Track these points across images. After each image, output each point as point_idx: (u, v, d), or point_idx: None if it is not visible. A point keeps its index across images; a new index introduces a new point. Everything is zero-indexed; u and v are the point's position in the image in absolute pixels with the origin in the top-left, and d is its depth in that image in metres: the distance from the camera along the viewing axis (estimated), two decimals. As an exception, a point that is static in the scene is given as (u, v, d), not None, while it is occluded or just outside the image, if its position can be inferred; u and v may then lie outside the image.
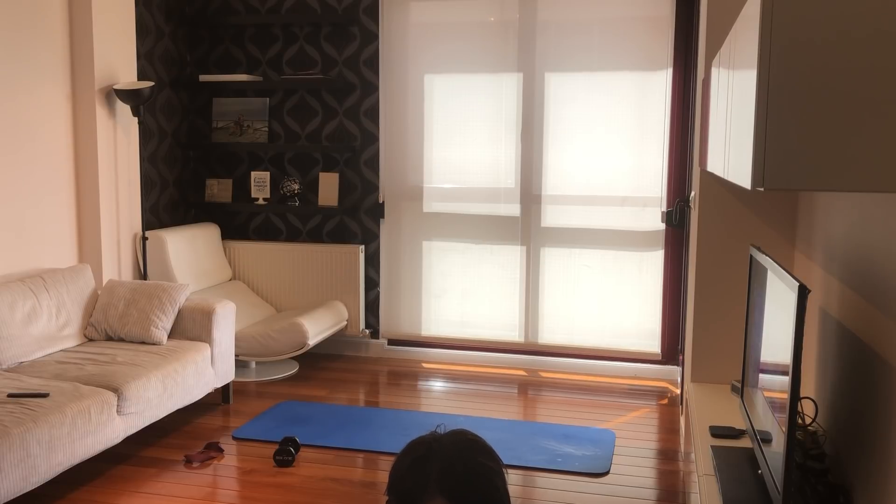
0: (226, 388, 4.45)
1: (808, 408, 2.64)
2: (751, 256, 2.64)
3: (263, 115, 5.45)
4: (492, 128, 5.19)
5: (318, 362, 5.33)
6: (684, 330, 4.34)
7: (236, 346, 4.75)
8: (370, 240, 5.39)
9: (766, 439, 2.16)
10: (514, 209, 5.22)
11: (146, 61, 5.07)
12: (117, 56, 4.65)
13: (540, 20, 5.04)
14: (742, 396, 2.69)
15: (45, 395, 3.27)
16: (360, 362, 5.35)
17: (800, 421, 2.38)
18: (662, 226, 4.97)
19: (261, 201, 5.46)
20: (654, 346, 5.08)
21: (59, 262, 4.44)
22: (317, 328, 4.85)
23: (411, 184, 5.32)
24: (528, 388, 4.85)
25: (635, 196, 5.02)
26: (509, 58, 5.11)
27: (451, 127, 5.25)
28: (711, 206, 3.30)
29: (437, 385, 4.90)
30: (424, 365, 5.31)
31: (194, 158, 5.63)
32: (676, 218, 4.60)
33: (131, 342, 4.14)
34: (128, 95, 4.53)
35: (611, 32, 4.94)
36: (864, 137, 1.50)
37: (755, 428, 2.35)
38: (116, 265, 4.72)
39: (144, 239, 4.78)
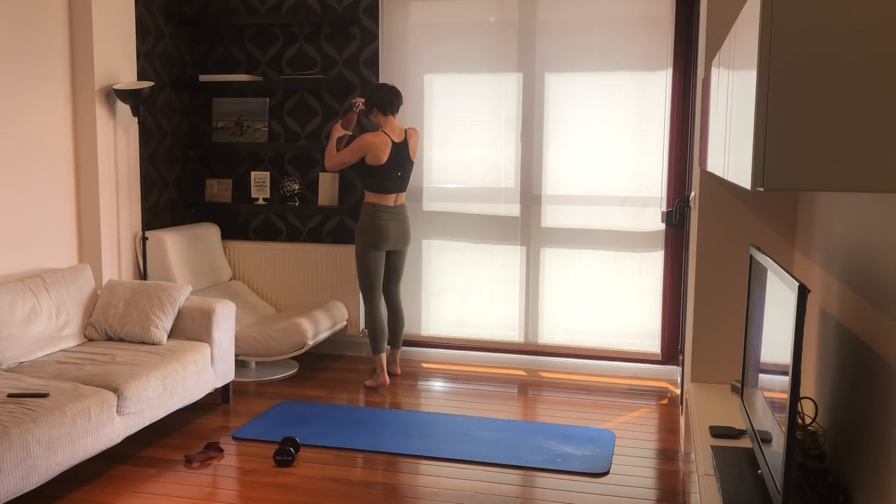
0: (226, 388, 4.45)
1: (808, 408, 2.64)
2: (751, 256, 2.64)
3: (263, 115, 5.45)
4: (492, 128, 5.19)
5: (318, 362, 5.33)
6: (684, 330, 4.34)
7: (236, 346, 4.75)
8: (370, 240, 5.39)
9: (766, 439, 2.17)
10: (514, 209, 5.22)
11: (146, 61, 5.08)
12: (117, 56, 4.66)
13: (540, 20, 5.04)
14: (742, 396, 2.69)
15: (45, 395, 3.27)
16: (360, 362, 5.35)
17: (800, 421, 2.38)
18: (662, 226, 4.97)
19: (261, 201, 5.46)
20: (654, 346, 5.08)
21: (59, 262, 4.44)
22: (316, 328, 4.85)
23: (411, 183, 5.31)
24: (528, 388, 4.85)
25: (635, 196, 5.02)
26: (509, 58, 5.11)
27: (451, 127, 5.25)
28: (711, 206, 3.30)
29: (437, 385, 4.90)
30: (424, 365, 5.31)
31: (194, 158, 5.64)
32: (676, 218, 4.60)
33: (131, 342, 4.14)
34: (128, 95, 4.53)
35: (611, 32, 4.94)
36: (864, 137, 1.50)
37: (755, 428, 2.35)
38: (116, 265, 4.72)
39: (144, 239, 4.78)
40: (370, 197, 4.66)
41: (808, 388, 2.78)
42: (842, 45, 1.50)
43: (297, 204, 5.37)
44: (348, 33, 5.28)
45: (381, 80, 5.27)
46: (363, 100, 4.72)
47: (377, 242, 4.65)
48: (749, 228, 3.28)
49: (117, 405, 3.47)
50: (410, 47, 5.25)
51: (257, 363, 5.11)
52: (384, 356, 4.80)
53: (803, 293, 1.83)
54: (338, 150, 4.68)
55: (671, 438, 4.05)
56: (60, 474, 3.51)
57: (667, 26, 4.85)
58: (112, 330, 4.17)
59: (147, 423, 3.67)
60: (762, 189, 1.55)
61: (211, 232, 5.37)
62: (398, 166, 4.63)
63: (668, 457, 3.81)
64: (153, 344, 4.10)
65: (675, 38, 4.81)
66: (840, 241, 2.43)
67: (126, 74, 4.75)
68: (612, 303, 5.13)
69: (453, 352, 5.38)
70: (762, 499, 2.18)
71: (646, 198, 5.00)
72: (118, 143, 4.70)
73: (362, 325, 5.37)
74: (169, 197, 5.35)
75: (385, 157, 4.56)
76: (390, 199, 4.67)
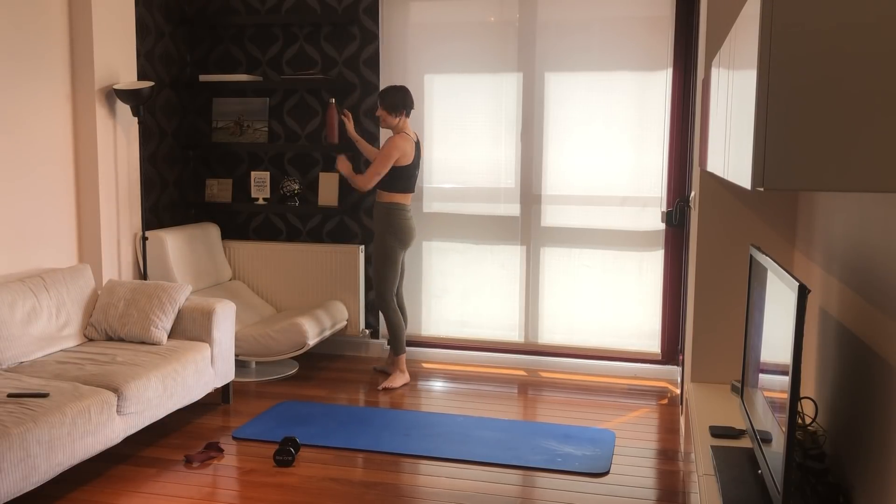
0: (226, 388, 4.45)
1: (808, 408, 2.64)
2: (751, 256, 2.64)
3: (263, 115, 5.45)
4: (492, 128, 5.19)
5: (318, 362, 5.33)
6: (684, 330, 4.34)
7: (236, 346, 4.75)
8: (370, 240, 5.39)
9: (766, 439, 2.17)
10: (514, 209, 5.22)
11: (146, 61, 5.08)
12: (117, 56, 4.66)
13: (540, 20, 5.04)
14: (742, 396, 2.69)
15: (45, 395, 3.27)
16: (360, 362, 5.35)
17: (800, 421, 2.38)
18: (662, 226, 4.97)
19: (261, 201, 5.46)
20: (654, 346, 5.08)
21: (59, 262, 4.44)
22: (316, 328, 4.85)
23: (411, 184, 5.31)
24: (528, 388, 4.85)
25: (635, 196, 5.02)
26: (509, 58, 5.11)
27: (451, 127, 5.25)
28: (711, 206, 3.30)
29: (437, 385, 4.90)
30: (424, 365, 5.31)
31: (194, 158, 5.64)
32: (676, 218, 4.60)
33: (131, 342, 4.14)
34: (128, 95, 4.53)
35: (611, 32, 4.94)
36: (863, 137, 1.50)
37: (755, 428, 2.35)
38: (116, 265, 4.72)
39: (144, 239, 4.78)
40: (394, 197, 4.73)
41: (808, 388, 2.78)
42: (841, 44, 1.50)
43: (297, 204, 5.37)
44: (348, 33, 5.28)
45: (381, 81, 5.28)
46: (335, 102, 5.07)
47: (407, 243, 4.79)
48: (749, 228, 3.28)
49: (117, 405, 3.47)
50: (410, 47, 5.25)
51: (257, 363, 5.11)
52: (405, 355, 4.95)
53: (803, 293, 1.83)
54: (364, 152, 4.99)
55: (671, 438, 4.05)
56: (60, 474, 3.51)
57: (667, 26, 4.85)
58: (112, 330, 4.17)
59: (147, 423, 3.67)
60: (762, 189, 1.55)
61: (211, 232, 5.37)
62: (418, 165, 4.79)
63: (668, 457, 3.81)
64: (153, 344, 4.10)
65: (675, 38, 4.81)
66: (840, 241, 2.43)
67: (126, 74, 4.75)
68: (611, 303, 5.13)
69: (453, 352, 5.39)
70: (762, 499, 2.18)
71: (646, 198, 5.00)
72: (118, 143, 4.70)
73: (362, 325, 5.37)
74: (169, 197, 5.35)
75: (412, 156, 4.70)
76: (409, 199, 4.80)
